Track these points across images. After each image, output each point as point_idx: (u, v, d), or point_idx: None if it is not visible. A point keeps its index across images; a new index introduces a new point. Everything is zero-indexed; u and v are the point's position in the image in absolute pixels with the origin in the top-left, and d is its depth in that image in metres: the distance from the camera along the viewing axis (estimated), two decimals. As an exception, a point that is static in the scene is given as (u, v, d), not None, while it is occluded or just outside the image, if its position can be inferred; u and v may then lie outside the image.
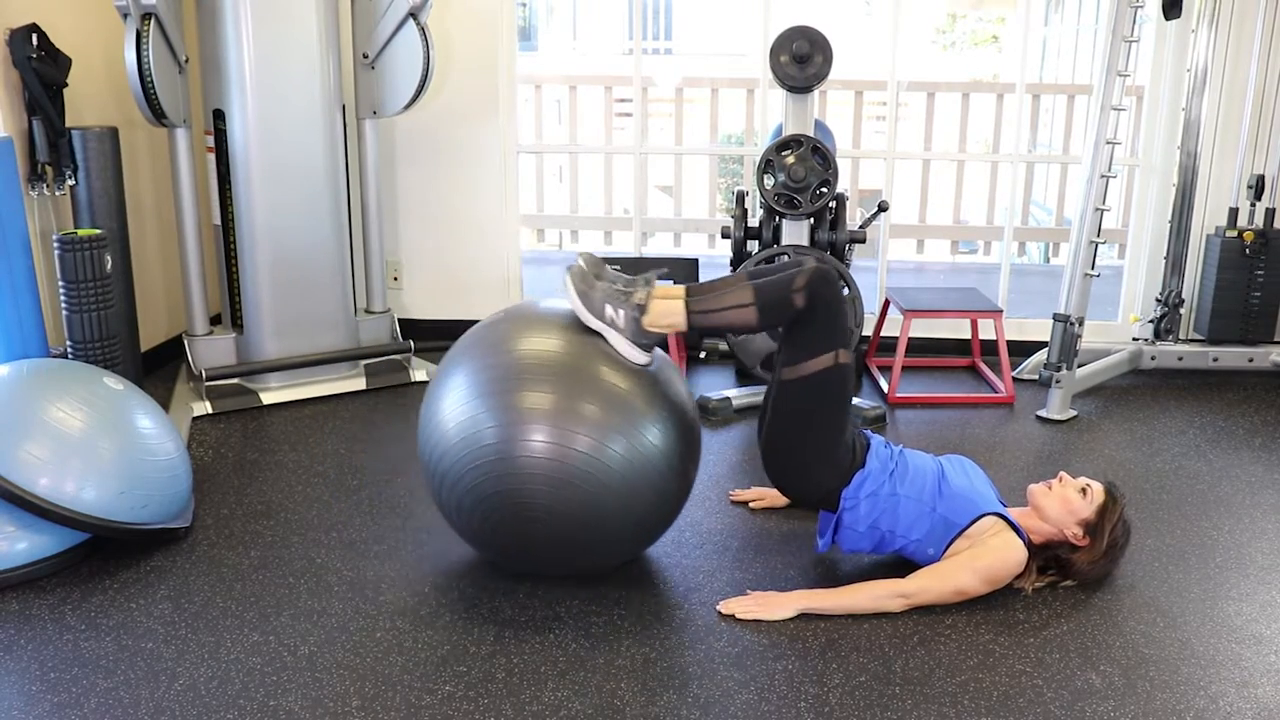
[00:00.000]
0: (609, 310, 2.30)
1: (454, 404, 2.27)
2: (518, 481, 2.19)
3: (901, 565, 2.47)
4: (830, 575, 2.52)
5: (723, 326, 2.39)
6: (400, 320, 4.12)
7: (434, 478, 2.34)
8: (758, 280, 2.35)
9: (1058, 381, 3.61)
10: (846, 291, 3.65)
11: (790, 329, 2.35)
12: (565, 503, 2.19)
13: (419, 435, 2.39)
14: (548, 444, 2.17)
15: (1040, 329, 4.07)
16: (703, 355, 4.23)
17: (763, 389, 3.63)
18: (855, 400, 3.56)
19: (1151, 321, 4.10)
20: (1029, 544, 2.39)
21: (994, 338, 3.89)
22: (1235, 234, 3.96)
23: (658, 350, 2.42)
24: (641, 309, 2.30)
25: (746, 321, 2.34)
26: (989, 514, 2.37)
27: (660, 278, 2.40)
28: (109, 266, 3.02)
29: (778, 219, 3.67)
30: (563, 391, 2.21)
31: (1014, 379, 3.93)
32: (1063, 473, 2.48)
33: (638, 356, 2.32)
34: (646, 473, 2.24)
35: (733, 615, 2.31)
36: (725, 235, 3.78)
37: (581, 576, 2.44)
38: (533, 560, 2.38)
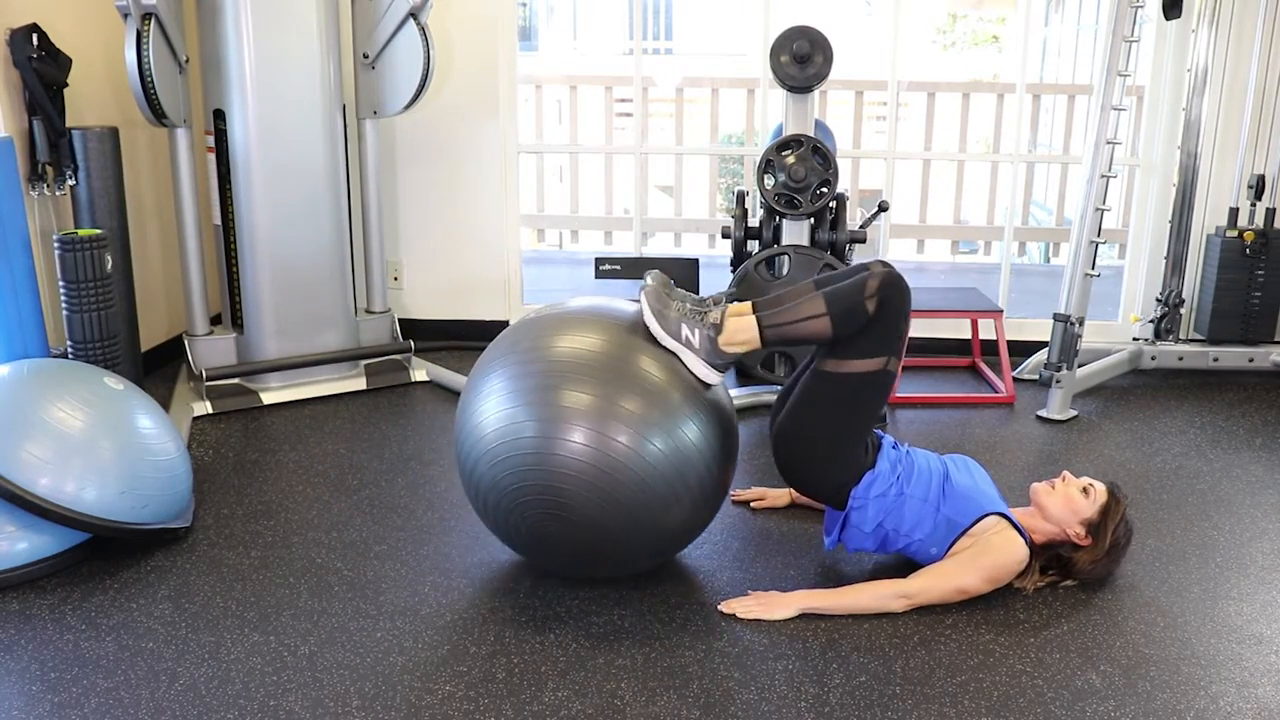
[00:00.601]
0: (685, 330, 2.28)
1: (492, 404, 2.24)
2: (556, 481, 2.16)
3: (903, 565, 2.48)
4: (831, 575, 2.52)
5: (797, 339, 2.34)
6: (400, 320, 4.12)
7: (470, 480, 2.31)
8: (828, 290, 2.32)
9: (1058, 381, 3.61)
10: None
11: (847, 325, 2.31)
12: (603, 502, 2.17)
13: (455, 436, 2.37)
14: (587, 445, 2.14)
15: (1040, 329, 4.07)
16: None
17: (764, 389, 3.65)
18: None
19: (1152, 321, 4.10)
20: (1031, 543, 2.39)
21: (994, 338, 3.89)
22: (1235, 234, 3.96)
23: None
24: (717, 328, 2.28)
25: (822, 332, 2.30)
26: (992, 513, 2.37)
27: (730, 298, 2.38)
28: (109, 266, 3.02)
29: (778, 219, 3.67)
30: (603, 390, 2.18)
31: (1014, 379, 3.93)
32: (1065, 472, 2.49)
33: (711, 376, 2.30)
34: (686, 472, 2.22)
35: (734, 615, 2.31)
36: (725, 235, 3.78)
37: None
38: (569, 561, 2.36)
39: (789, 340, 2.33)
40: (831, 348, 2.34)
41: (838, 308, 2.28)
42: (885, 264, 2.35)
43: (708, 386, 2.31)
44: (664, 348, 2.29)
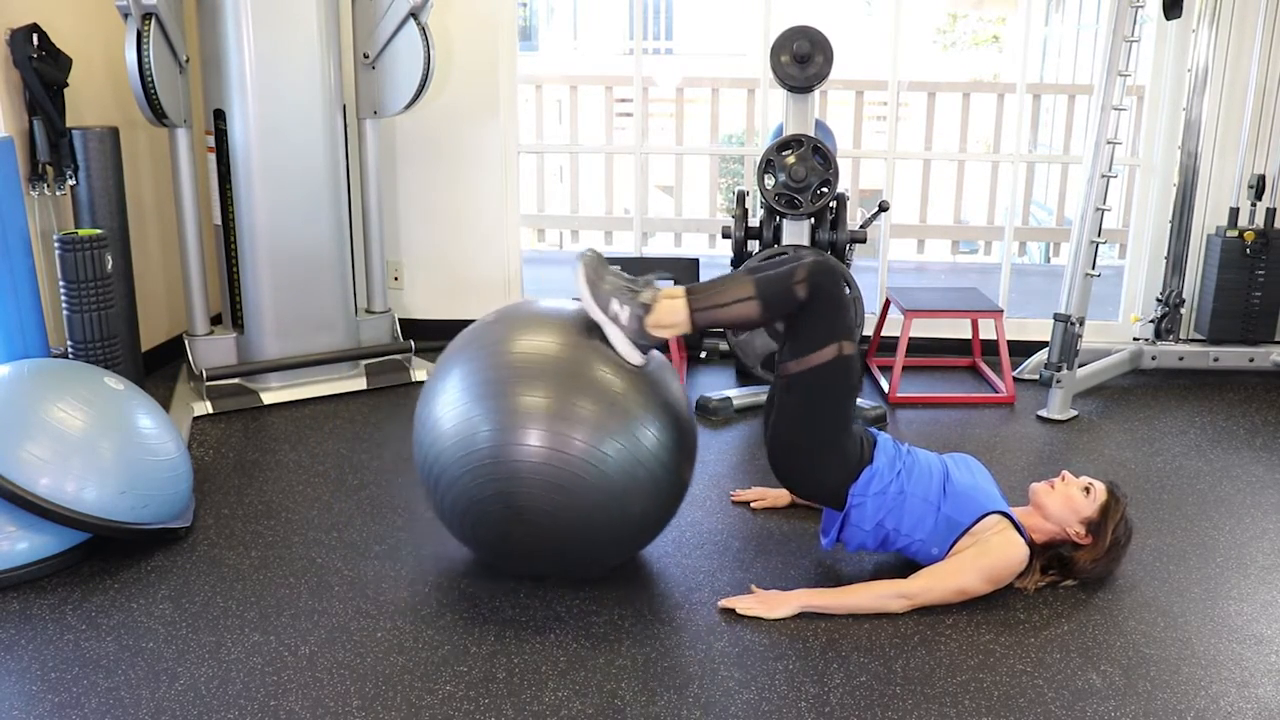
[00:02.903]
0: (614, 304, 2.28)
1: (449, 405, 2.26)
2: (512, 483, 2.18)
3: (904, 565, 2.48)
4: (832, 575, 2.52)
5: (726, 322, 2.38)
6: (401, 320, 4.12)
7: (429, 480, 2.33)
8: (758, 274, 2.35)
9: (1058, 381, 3.61)
10: (847, 292, 3.64)
11: (792, 323, 2.35)
12: (560, 504, 2.19)
13: (414, 438, 2.39)
14: (542, 446, 2.16)
15: (1041, 329, 4.07)
16: (703, 355, 4.23)
17: (764, 389, 3.64)
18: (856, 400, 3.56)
19: (1152, 321, 4.10)
20: (1031, 543, 2.39)
21: (994, 337, 3.89)
22: (1236, 234, 3.96)
23: (655, 352, 2.41)
24: (646, 309, 2.29)
25: (749, 315, 2.33)
26: (993, 512, 2.37)
27: (662, 279, 2.39)
28: (110, 266, 3.02)
29: (778, 219, 3.67)
30: (557, 392, 2.20)
31: (1014, 379, 3.93)
32: (1065, 471, 2.49)
33: (634, 357, 2.30)
34: (641, 473, 2.24)
35: (732, 611, 2.31)
36: (726, 235, 3.78)
37: (579, 577, 2.44)
38: (529, 562, 2.38)
39: (718, 323, 2.36)
40: (787, 348, 2.35)
41: (766, 291, 2.30)
42: (820, 253, 2.36)
43: (632, 367, 2.30)
44: (591, 324, 2.30)
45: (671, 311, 2.31)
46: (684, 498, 2.47)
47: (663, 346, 2.42)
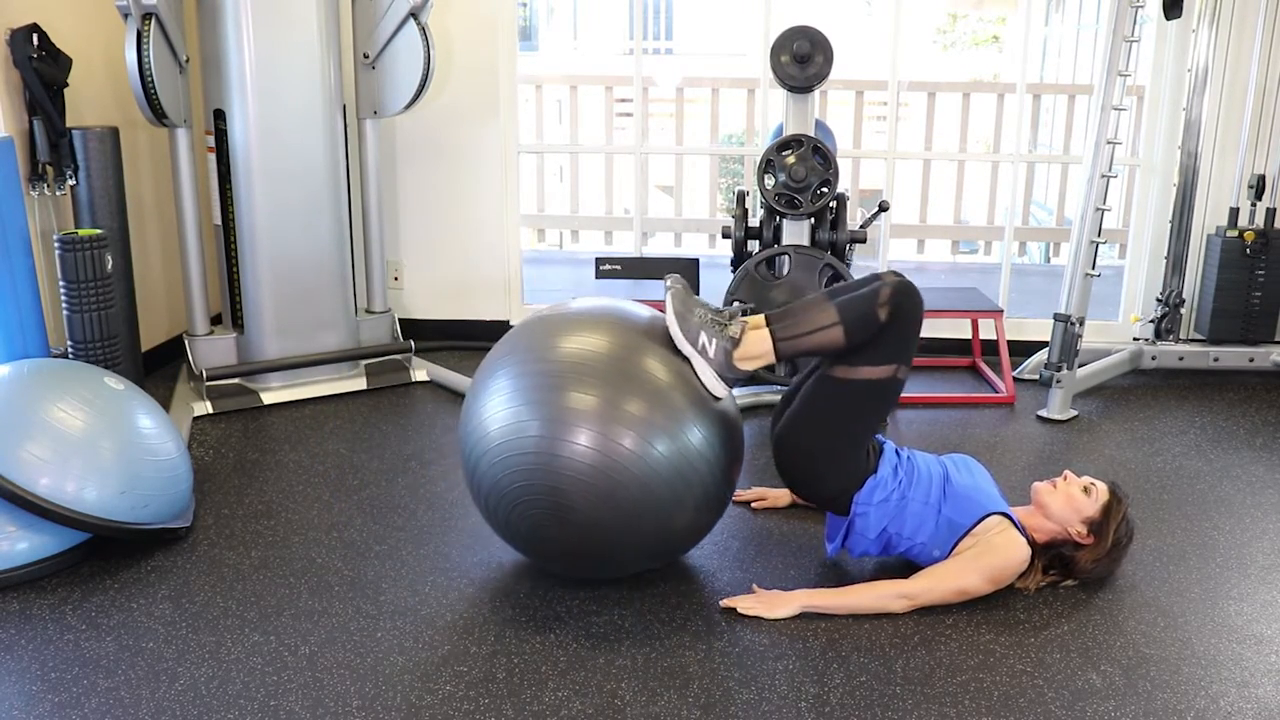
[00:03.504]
0: (703, 338, 2.28)
1: (497, 406, 2.24)
2: (560, 482, 2.16)
3: (905, 566, 2.48)
4: (832, 576, 2.52)
5: (811, 350, 2.34)
6: (401, 320, 4.12)
7: (474, 480, 2.31)
8: (840, 299, 2.32)
9: (1058, 381, 3.61)
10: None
11: (860, 331, 2.31)
12: (607, 504, 2.17)
13: (460, 437, 2.36)
14: (592, 443, 2.14)
15: (1041, 329, 4.07)
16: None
17: (765, 389, 3.64)
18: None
19: (1152, 321, 4.10)
20: (1032, 543, 2.39)
21: (994, 337, 3.89)
22: (1236, 234, 3.96)
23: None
24: (735, 342, 2.28)
25: (835, 341, 2.30)
26: (994, 513, 2.37)
27: (744, 308, 2.38)
28: (110, 266, 3.02)
29: (778, 219, 3.67)
30: (607, 392, 2.17)
31: (1014, 379, 3.93)
32: (1067, 471, 2.48)
33: (719, 389, 2.29)
34: (690, 475, 2.22)
35: (733, 610, 2.31)
36: (726, 235, 3.78)
37: (571, 579, 2.44)
38: (574, 563, 2.36)
39: (803, 352, 2.33)
40: (843, 355, 2.34)
41: (850, 315, 2.28)
42: (898, 274, 2.35)
43: (715, 399, 2.30)
44: (678, 351, 2.28)
45: (758, 342, 2.30)
46: (729, 503, 2.44)
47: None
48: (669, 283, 2.33)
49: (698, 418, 2.24)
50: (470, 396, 2.35)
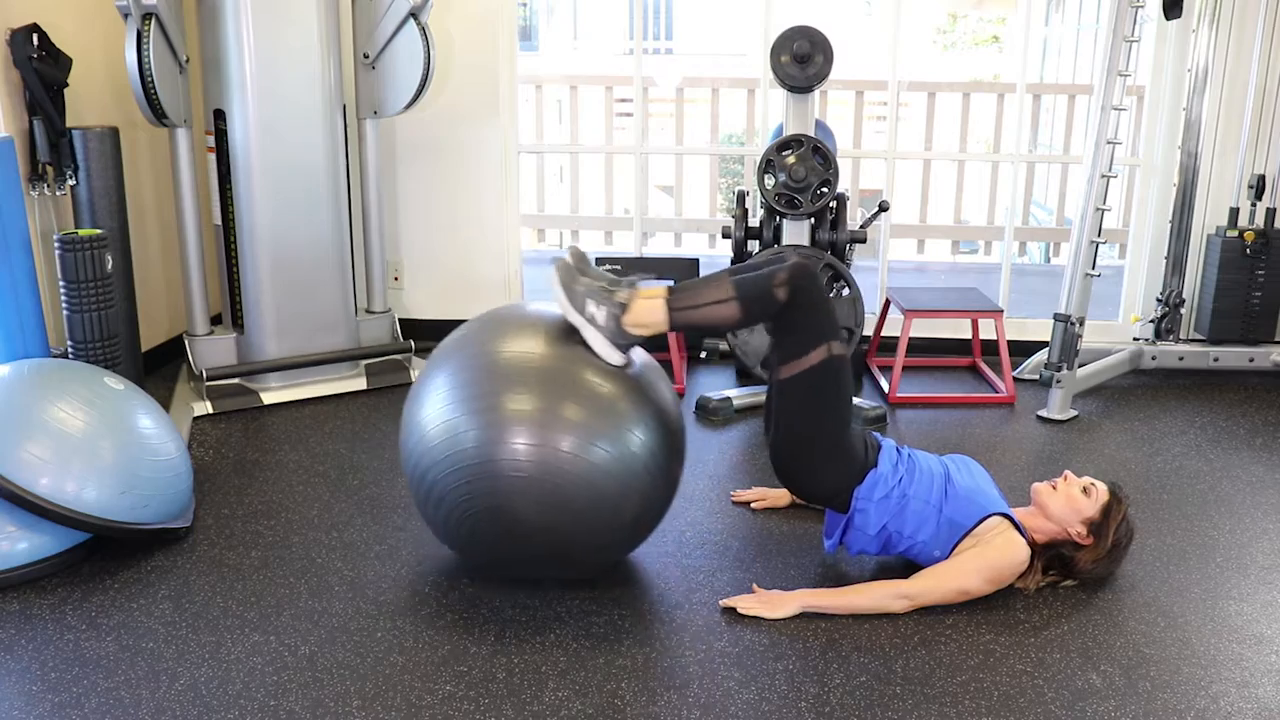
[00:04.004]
0: (590, 306, 2.28)
1: (435, 409, 2.26)
2: (501, 486, 2.18)
3: (905, 566, 2.48)
4: (832, 576, 2.52)
5: (705, 324, 2.37)
6: (401, 320, 4.12)
7: (417, 485, 2.33)
8: (738, 276, 2.35)
9: (1058, 381, 3.61)
10: (847, 292, 3.65)
11: (779, 327, 2.35)
12: (549, 507, 2.18)
13: (401, 442, 2.38)
14: (530, 448, 2.16)
15: (1041, 329, 4.07)
16: (703, 355, 4.23)
17: (764, 389, 3.64)
18: (856, 400, 3.56)
19: (1152, 321, 4.10)
20: (1032, 543, 2.39)
21: (994, 337, 3.89)
22: (1236, 234, 3.96)
23: (641, 352, 2.41)
24: (623, 307, 2.28)
25: (729, 316, 2.33)
26: (994, 514, 2.37)
27: (645, 279, 2.39)
28: (110, 266, 3.02)
29: (778, 219, 3.67)
30: (545, 395, 2.20)
31: (1015, 379, 3.93)
32: (1067, 471, 2.48)
33: (613, 356, 2.30)
34: (631, 474, 2.23)
35: (733, 610, 2.31)
36: (726, 235, 3.78)
37: (571, 580, 2.44)
38: (518, 564, 2.37)
39: (696, 324, 2.35)
40: (778, 353, 2.36)
41: (745, 292, 2.30)
42: (799, 256, 2.37)
43: (612, 366, 2.30)
44: (571, 326, 2.30)
45: (649, 311, 2.30)
46: (674, 497, 2.46)
47: (657, 345, 2.41)
48: (563, 254, 2.35)
49: (638, 417, 2.25)
50: (410, 400, 2.36)
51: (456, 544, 2.39)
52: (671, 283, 2.42)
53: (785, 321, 2.33)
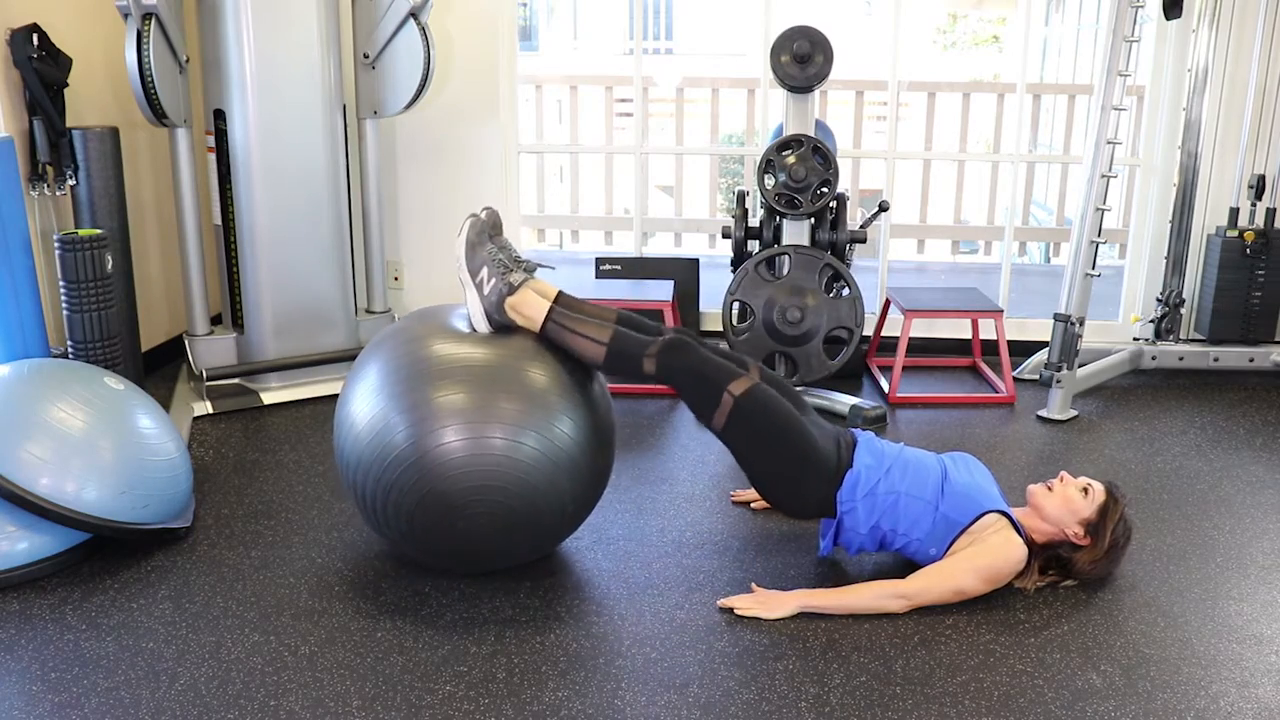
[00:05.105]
0: (484, 273, 2.34)
1: (364, 405, 2.29)
2: (434, 479, 2.20)
3: (904, 566, 2.48)
4: (831, 576, 2.52)
5: (569, 349, 2.39)
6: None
7: (351, 481, 2.34)
8: (624, 328, 2.40)
9: (1058, 381, 3.61)
10: (847, 292, 3.65)
11: (676, 389, 2.41)
12: (484, 498, 2.21)
13: (334, 440, 2.41)
14: (462, 441, 2.19)
15: (1041, 329, 4.07)
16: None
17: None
18: (855, 400, 3.56)
19: (1152, 321, 4.10)
20: (1030, 543, 2.39)
21: (994, 337, 3.89)
22: (1236, 234, 3.96)
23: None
24: (511, 289, 2.34)
25: (592, 358, 2.38)
26: (991, 511, 2.37)
27: (545, 268, 2.45)
28: (110, 266, 3.02)
29: (778, 219, 3.67)
30: (474, 389, 2.23)
31: (1015, 379, 3.93)
32: (1064, 472, 2.48)
33: (481, 324, 2.36)
34: (561, 464, 2.26)
35: (732, 610, 2.31)
36: (726, 235, 3.79)
37: (571, 580, 2.44)
38: (458, 557, 2.39)
39: (562, 344, 2.38)
40: (694, 414, 2.42)
41: (617, 348, 2.36)
42: (681, 331, 2.45)
43: (474, 331, 2.36)
44: (459, 277, 2.37)
45: (532, 305, 2.36)
46: (605, 486, 2.50)
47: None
48: (476, 213, 2.40)
49: (566, 408, 2.29)
50: (342, 395, 2.41)
51: (391, 536, 2.40)
52: (560, 291, 2.46)
53: (676, 387, 2.40)
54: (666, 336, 2.40)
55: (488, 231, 2.39)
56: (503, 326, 2.38)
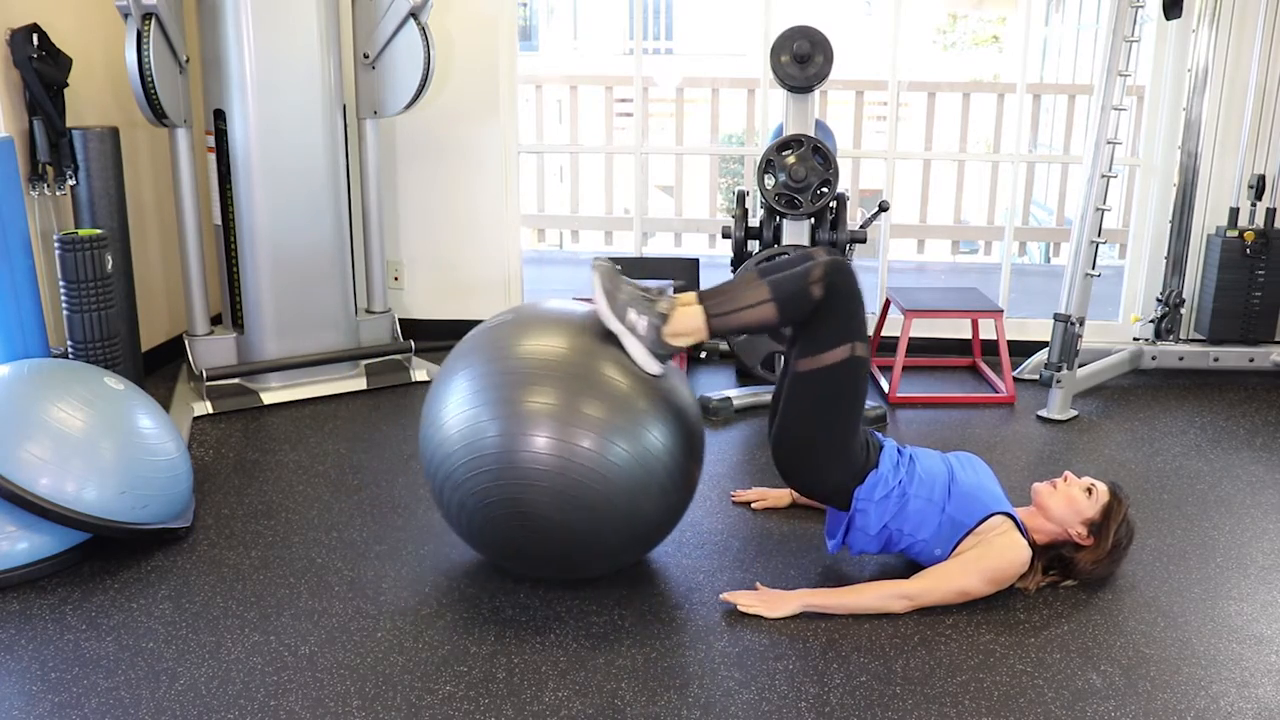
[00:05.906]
0: (632, 314, 2.26)
1: (456, 406, 2.25)
2: (520, 485, 2.17)
3: (906, 566, 2.48)
4: (832, 576, 2.52)
5: (744, 327, 2.34)
6: (401, 320, 4.12)
7: (436, 481, 2.33)
8: (772, 276, 2.32)
9: (1058, 381, 3.61)
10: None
11: (806, 320, 2.32)
12: (568, 506, 2.18)
13: (420, 437, 2.39)
14: (551, 444, 2.15)
15: (1041, 329, 4.07)
16: (703, 355, 4.23)
17: (764, 389, 3.64)
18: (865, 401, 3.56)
19: (1152, 321, 4.10)
20: (1033, 543, 2.39)
21: (995, 337, 3.89)
22: (1236, 234, 3.96)
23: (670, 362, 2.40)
24: (664, 318, 2.27)
25: (767, 318, 2.30)
26: (997, 513, 2.36)
27: (676, 289, 2.38)
28: (110, 266, 3.02)
29: (778, 219, 3.67)
30: (566, 393, 2.19)
31: (1015, 379, 3.93)
32: (1068, 472, 2.48)
33: (652, 366, 2.28)
34: (650, 474, 2.23)
35: (733, 608, 2.31)
36: (726, 235, 3.78)
37: (582, 579, 2.44)
38: (535, 563, 2.37)
39: (736, 329, 2.33)
40: (799, 346, 2.33)
41: (782, 293, 2.28)
42: (831, 252, 2.35)
43: (650, 376, 2.29)
44: (608, 329, 2.28)
45: (688, 318, 2.28)
46: (691, 500, 2.45)
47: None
48: (595, 262, 2.32)
49: (657, 416, 2.24)
50: (430, 399, 2.36)
51: (474, 540, 2.38)
52: (697, 291, 2.39)
53: (814, 315, 2.30)
54: (824, 258, 2.29)
55: (616, 273, 2.30)
56: (669, 357, 2.32)
